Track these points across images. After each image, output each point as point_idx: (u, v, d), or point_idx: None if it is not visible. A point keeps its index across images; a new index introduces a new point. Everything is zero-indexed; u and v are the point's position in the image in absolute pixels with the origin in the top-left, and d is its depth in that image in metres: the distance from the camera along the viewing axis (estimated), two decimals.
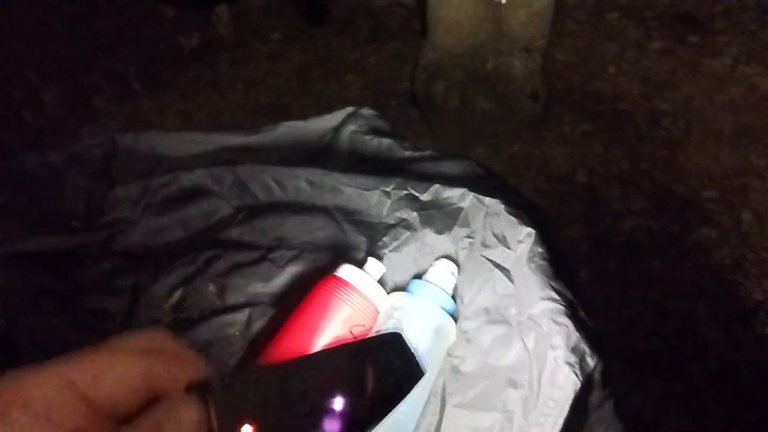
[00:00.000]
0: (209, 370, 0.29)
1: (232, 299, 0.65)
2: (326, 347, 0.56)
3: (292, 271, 0.66)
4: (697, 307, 1.30)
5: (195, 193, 0.75)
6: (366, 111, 0.86)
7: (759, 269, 1.32)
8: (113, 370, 0.25)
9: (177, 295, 0.66)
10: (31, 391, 0.24)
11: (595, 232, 1.40)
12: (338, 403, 0.29)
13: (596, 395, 0.53)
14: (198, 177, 0.76)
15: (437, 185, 0.68)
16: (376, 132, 0.83)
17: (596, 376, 0.54)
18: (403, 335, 0.38)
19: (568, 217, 1.42)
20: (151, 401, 0.26)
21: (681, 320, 1.28)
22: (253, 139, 0.83)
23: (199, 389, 0.26)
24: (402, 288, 0.65)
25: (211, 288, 0.66)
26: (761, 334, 1.25)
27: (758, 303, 1.28)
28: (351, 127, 0.83)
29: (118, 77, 1.83)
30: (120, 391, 0.25)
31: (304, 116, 0.84)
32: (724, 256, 1.35)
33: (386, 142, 0.80)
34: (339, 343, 0.58)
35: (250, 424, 0.26)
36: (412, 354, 0.38)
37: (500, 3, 1.40)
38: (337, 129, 0.83)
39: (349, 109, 0.85)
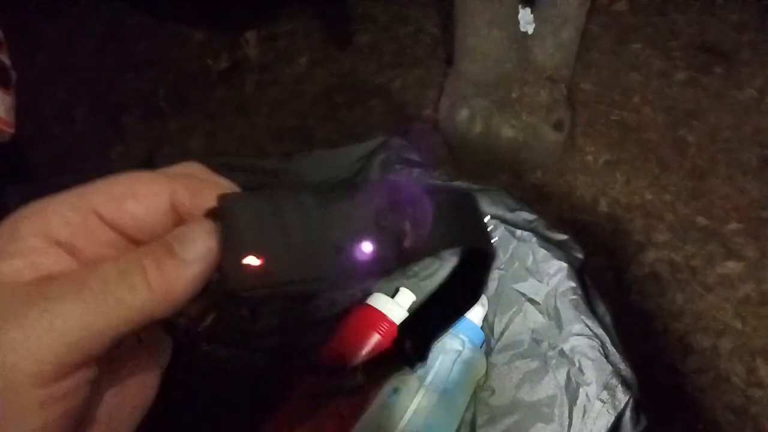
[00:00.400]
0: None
1: (264, 325, 0.66)
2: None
3: (324, 298, 0.67)
4: (719, 342, 1.29)
5: None
6: (396, 141, 0.87)
7: None
8: (137, 195, 0.24)
9: (209, 319, 0.67)
10: (53, 219, 0.22)
11: (616, 264, 1.40)
12: (366, 247, 0.24)
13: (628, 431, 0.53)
14: None
15: None
16: (406, 162, 0.84)
17: (628, 412, 0.54)
18: (465, 323, 0.32)
19: (590, 247, 1.42)
20: (177, 225, 0.24)
21: (703, 355, 1.27)
22: (285, 165, 0.84)
23: (214, 213, 0.23)
24: None
25: (244, 312, 0.67)
26: None
27: None
28: (381, 156, 0.84)
29: (146, 97, 1.86)
30: (144, 216, 0.24)
31: (328, 139, 0.86)
32: (748, 290, 1.33)
33: (416, 171, 0.81)
34: None
35: (258, 255, 0.22)
36: (483, 222, 0.29)
37: (527, 33, 1.42)
38: (367, 158, 0.84)
39: (380, 139, 0.86)
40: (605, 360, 0.55)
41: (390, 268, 0.25)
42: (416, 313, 0.33)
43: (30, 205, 0.23)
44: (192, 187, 0.25)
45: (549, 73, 1.45)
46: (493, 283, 0.66)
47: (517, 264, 0.64)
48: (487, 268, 0.29)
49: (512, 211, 0.75)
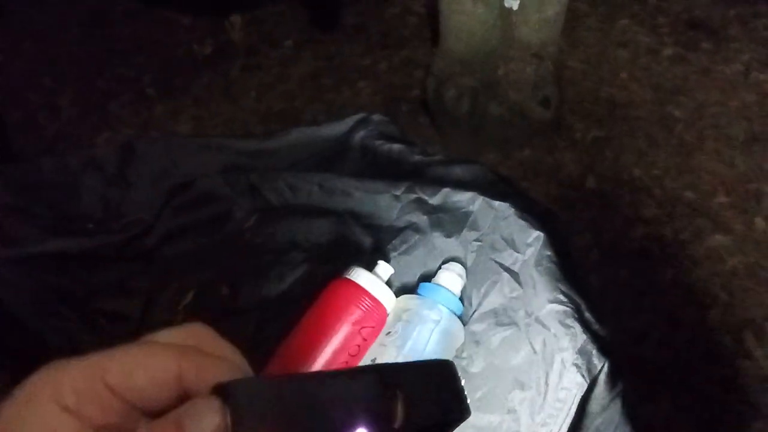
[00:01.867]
0: (244, 369, 0.29)
1: (245, 301, 0.66)
2: (345, 367, 0.56)
3: (303, 273, 0.67)
4: (708, 315, 1.30)
5: (209, 198, 0.76)
6: (377, 117, 0.87)
7: None
8: (145, 366, 0.25)
9: (189, 296, 0.67)
10: (63, 384, 0.24)
11: (605, 240, 1.40)
12: None
13: (603, 396, 0.53)
14: (212, 182, 0.77)
15: (447, 189, 0.69)
16: (387, 137, 0.83)
17: (602, 377, 0.54)
18: (454, 366, 0.34)
19: (578, 224, 1.42)
20: (182, 398, 0.26)
21: (692, 329, 1.27)
22: (266, 144, 0.84)
23: (223, 392, 0.25)
24: (410, 290, 0.66)
25: (224, 290, 0.67)
26: None
27: None
28: (362, 133, 0.84)
29: (133, 83, 1.85)
30: (151, 388, 0.25)
31: (315, 122, 0.86)
32: (736, 263, 1.34)
33: (396, 147, 0.81)
34: (352, 364, 0.59)
35: None
36: (461, 389, 0.33)
37: (511, 9, 1.41)
38: (348, 134, 0.84)
39: (360, 115, 0.86)
40: (580, 326, 0.55)
41: None
42: None
43: (46, 367, 0.25)
44: (198, 362, 0.26)
45: (535, 50, 1.44)
46: (471, 255, 0.66)
47: (495, 235, 0.64)
48: (460, 422, 0.33)
49: (491, 183, 0.75)
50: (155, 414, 0.26)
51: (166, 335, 0.28)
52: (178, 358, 0.26)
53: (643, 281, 1.34)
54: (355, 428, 0.26)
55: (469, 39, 1.44)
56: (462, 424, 0.52)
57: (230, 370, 0.27)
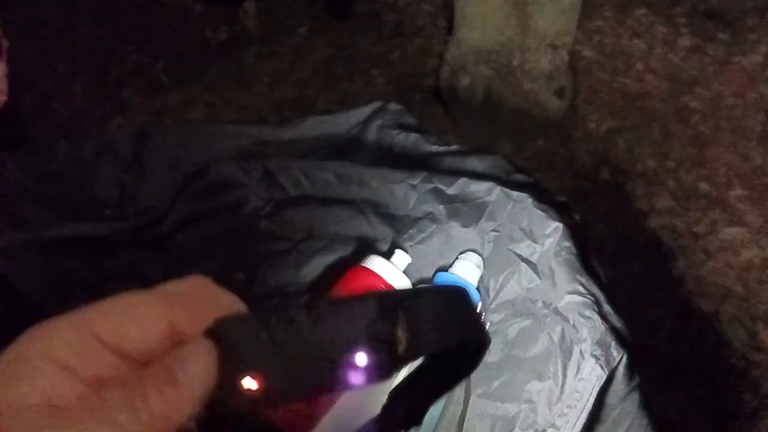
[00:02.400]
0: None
1: (261, 288, 0.66)
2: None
3: (320, 261, 0.67)
4: (721, 308, 1.29)
5: (224, 185, 0.76)
6: (393, 106, 0.86)
7: None
8: (134, 316, 0.24)
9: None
10: (52, 340, 0.23)
11: (619, 231, 1.39)
12: (361, 359, 0.25)
13: (620, 388, 0.53)
14: (228, 169, 0.77)
15: (464, 179, 0.68)
16: (403, 127, 0.83)
17: (621, 368, 0.54)
18: (466, 292, 0.31)
19: (592, 215, 1.41)
20: (176, 345, 0.25)
21: (705, 321, 1.27)
22: (282, 132, 0.84)
23: (212, 334, 0.24)
24: (427, 281, 0.66)
25: (240, 276, 0.67)
26: None
27: None
28: (378, 122, 0.83)
29: (146, 70, 1.85)
30: (143, 338, 0.24)
31: (329, 110, 0.85)
32: (751, 256, 1.33)
33: (413, 136, 0.81)
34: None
35: (255, 376, 0.24)
36: (475, 314, 0.31)
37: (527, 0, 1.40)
38: (364, 123, 0.84)
39: (376, 104, 0.86)
40: (599, 317, 0.55)
41: (386, 375, 0.26)
42: (407, 381, 0.34)
43: (34, 327, 0.24)
44: (191, 309, 0.25)
45: (550, 40, 1.43)
46: (488, 245, 0.66)
47: (512, 225, 0.64)
48: (480, 352, 0.31)
49: (509, 173, 0.74)
50: (148, 362, 0.25)
51: (162, 287, 0.27)
52: (170, 304, 0.25)
53: (657, 273, 1.34)
54: (352, 355, 0.25)
55: (483, 28, 1.43)
56: (480, 413, 0.52)
57: (225, 313, 0.26)
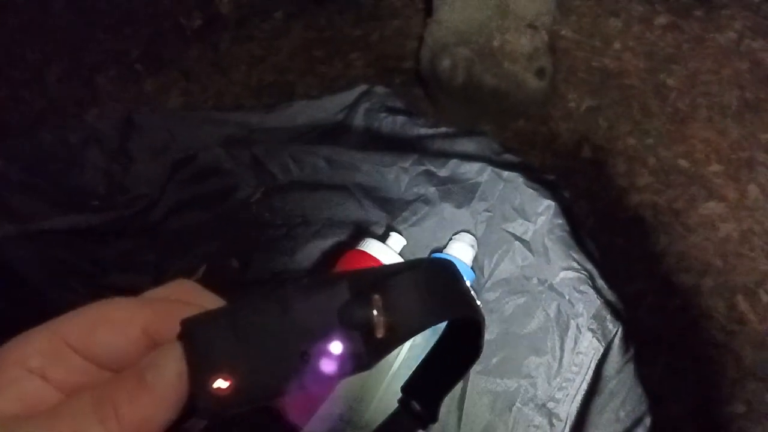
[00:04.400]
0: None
1: (256, 274, 0.66)
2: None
3: (314, 246, 0.67)
4: (701, 281, 1.32)
5: (213, 172, 0.76)
6: (379, 89, 0.86)
7: (764, 241, 1.33)
8: (105, 322, 0.24)
9: (201, 270, 0.67)
10: (27, 349, 0.24)
11: (600, 208, 1.41)
12: (335, 347, 0.23)
13: (617, 360, 0.54)
14: (215, 156, 0.76)
15: (455, 160, 0.69)
16: (390, 110, 0.83)
17: (617, 341, 0.55)
18: (453, 265, 0.28)
19: (573, 193, 1.42)
20: (151, 350, 0.25)
21: (686, 294, 1.30)
22: (268, 118, 0.83)
23: (181, 331, 0.23)
24: None
25: (235, 263, 0.67)
26: (764, 306, 1.27)
27: (764, 274, 1.30)
28: (365, 105, 0.83)
29: (120, 58, 1.81)
30: (115, 344, 0.24)
31: (308, 95, 0.84)
32: (729, 230, 1.36)
33: (401, 119, 0.81)
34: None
35: (225, 377, 0.22)
36: (464, 288, 0.28)
37: None
38: (351, 107, 0.83)
39: (363, 87, 0.85)
40: (594, 292, 0.56)
41: (364, 364, 0.24)
42: (418, 374, 0.33)
43: (11, 340, 0.24)
44: (164, 312, 0.25)
45: (529, 20, 1.43)
46: (481, 225, 0.66)
47: (505, 205, 0.65)
48: (479, 333, 0.28)
49: (498, 154, 0.75)
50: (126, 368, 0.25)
51: (145, 293, 0.27)
52: (141, 309, 0.25)
53: (638, 248, 1.36)
54: (326, 345, 0.23)
55: (463, 9, 1.42)
56: (480, 390, 0.53)
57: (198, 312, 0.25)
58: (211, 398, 0.22)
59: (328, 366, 0.23)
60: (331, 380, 0.23)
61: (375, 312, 0.24)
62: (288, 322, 0.23)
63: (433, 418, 0.32)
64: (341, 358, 0.23)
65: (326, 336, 0.23)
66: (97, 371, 0.25)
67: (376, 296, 0.24)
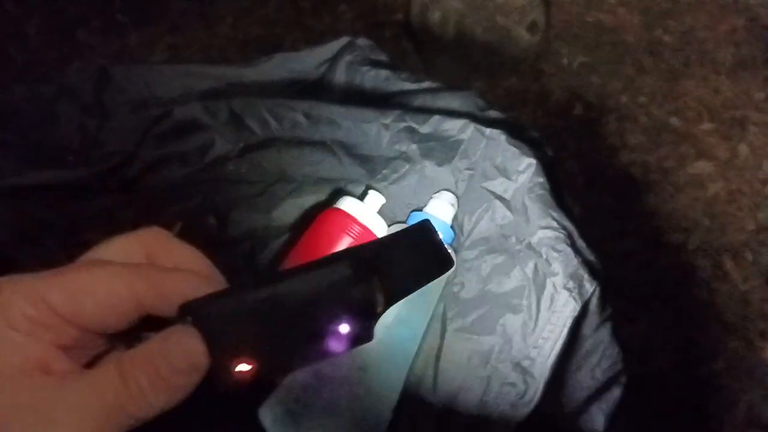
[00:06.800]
0: (209, 274, 0.27)
1: (233, 231, 0.65)
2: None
3: (292, 204, 0.67)
4: (689, 240, 1.32)
5: (190, 127, 0.74)
6: (362, 41, 0.83)
7: (753, 201, 1.33)
8: (93, 293, 0.24)
9: (178, 227, 0.66)
10: (12, 311, 0.23)
11: (590, 167, 1.40)
12: (344, 327, 0.26)
13: (593, 319, 0.54)
14: (193, 110, 0.74)
15: (437, 117, 0.67)
16: (373, 63, 0.81)
17: (594, 300, 0.55)
18: (429, 223, 0.32)
19: (564, 151, 1.41)
20: (144, 318, 0.25)
21: (673, 252, 1.30)
22: (247, 71, 0.81)
23: (192, 315, 0.24)
24: (402, 221, 0.65)
25: (212, 220, 0.66)
26: (749, 265, 1.27)
27: (750, 234, 1.30)
28: (347, 58, 0.81)
29: (103, 10, 1.76)
30: (103, 313, 0.24)
31: (295, 48, 0.82)
32: (718, 189, 1.36)
33: (384, 73, 0.79)
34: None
35: (248, 360, 0.24)
36: (439, 243, 0.32)
37: None
38: (332, 60, 0.81)
39: (345, 40, 0.83)
40: (572, 251, 0.56)
41: (369, 336, 0.27)
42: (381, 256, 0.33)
43: None
44: (154, 280, 0.25)
45: None
46: (462, 183, 0.65)
47: (486, 163, 0.63)
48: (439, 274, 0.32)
49: (482, 110, 0.73)
50: (117, 333, 0.25)
51: (114, 248, 0.26)
52: (132, 281, 0.25)
53: (627, 207, 1.36)
54: (335, 326, 0.26)
55: None
56: (456, 347, 0.53)
57: (192, 283, 0.26)
58: (233, 381, 0.24)
59: (335, 343, 0.26)
60: (338, 355, 0.26)
61: (377, 290, 0.27)
62: (297, 305, 0.25)
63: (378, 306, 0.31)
64: (348, 335, 0.26)
65: (333, 316, 0.26)
66: (87, 336, 0.25)
67: (376, 277, 0.27)
